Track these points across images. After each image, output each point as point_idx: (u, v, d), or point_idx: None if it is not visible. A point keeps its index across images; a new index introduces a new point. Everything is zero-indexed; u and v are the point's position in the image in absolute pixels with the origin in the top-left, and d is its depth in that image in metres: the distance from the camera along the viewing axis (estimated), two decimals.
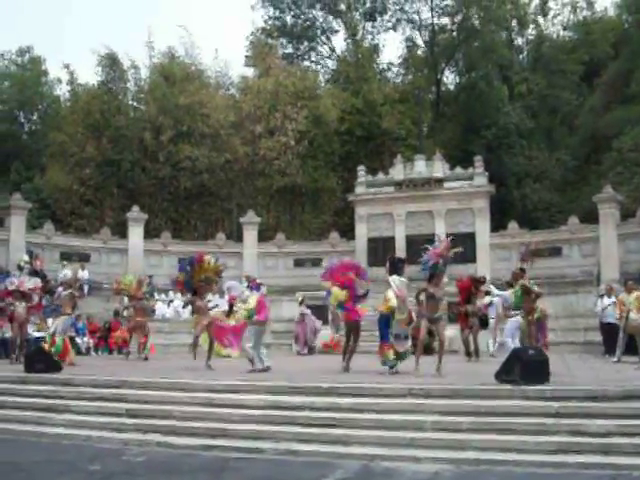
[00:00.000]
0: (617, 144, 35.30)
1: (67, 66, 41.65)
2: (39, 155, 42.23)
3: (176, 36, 42.49)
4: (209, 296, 16.92)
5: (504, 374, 10.44)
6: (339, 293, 13.91)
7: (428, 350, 19.90)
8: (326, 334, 22.62)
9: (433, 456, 8.65)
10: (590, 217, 28.91)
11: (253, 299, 14.59)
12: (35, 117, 47.44)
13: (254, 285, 15.82)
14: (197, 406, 10.88)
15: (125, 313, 21.14)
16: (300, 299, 23.99)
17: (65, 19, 77.78)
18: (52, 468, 8.60)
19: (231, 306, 16.02)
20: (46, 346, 16.16)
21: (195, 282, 16.03)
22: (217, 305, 16.88)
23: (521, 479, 7.87)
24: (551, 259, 28.77)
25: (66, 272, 26.42)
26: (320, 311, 23.79)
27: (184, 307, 21.10)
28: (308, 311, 23.61)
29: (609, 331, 19.47)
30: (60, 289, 19.23)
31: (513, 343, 15.16)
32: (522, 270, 13.69)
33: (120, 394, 11.69)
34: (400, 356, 13.52)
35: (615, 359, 16.27)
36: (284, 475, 8.09)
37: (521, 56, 47.51)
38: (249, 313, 14.40)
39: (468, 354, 17.25)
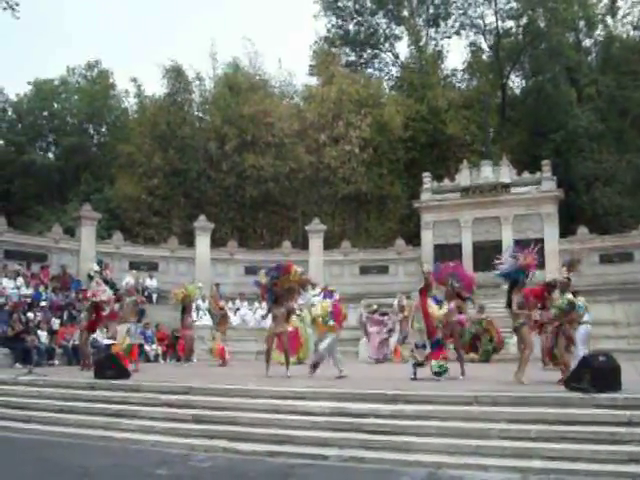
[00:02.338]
0: None
1: (134, 79, 42.86)
2: (108, 166, 43.28)
3: (240, 47, 43.26)
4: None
5: (574, 382, 10.18)
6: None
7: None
8: (393, 342, 22.44)
9: (500, 464, 8.47)
10: None
11: (327, 304, 14.63)
12: (104, 129, 48.67)
13: (327, 293, 15.83)
14: (262, 412, 10.90)
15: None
16: (374, 308, 23.72)
17: (131, 33, 79.61)
18: (119, 472, 8.74)
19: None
20: (115, 348, 16.44)
21: (278, 290, 15.50)
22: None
23: None
24: (622, 264, 28.11)
25: (128, 280, 26.99)
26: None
27: (264, 317, 20.05)
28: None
29: None
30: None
31: (583, 351, 14.74)
32: (569, 279, 13.27)
33: (187, 400, 11.83)
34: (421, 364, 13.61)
35: None
36: None
37: (589, 58, 46.37)
38: (325, 318, 14.45)
39: (544, 361, 16.80)
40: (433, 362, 13.43)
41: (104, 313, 18.38)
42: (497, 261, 13.39)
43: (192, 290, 20.80)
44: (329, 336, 14.57)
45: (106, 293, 18.65)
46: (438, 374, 13.36)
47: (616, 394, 9.73)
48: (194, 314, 23.48)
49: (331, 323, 14.46)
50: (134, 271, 28.92)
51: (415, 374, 13.40)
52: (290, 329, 16.52)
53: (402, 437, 9.50)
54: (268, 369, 14.91)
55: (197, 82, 42.52)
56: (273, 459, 9.30)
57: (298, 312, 18.02)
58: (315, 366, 14.65)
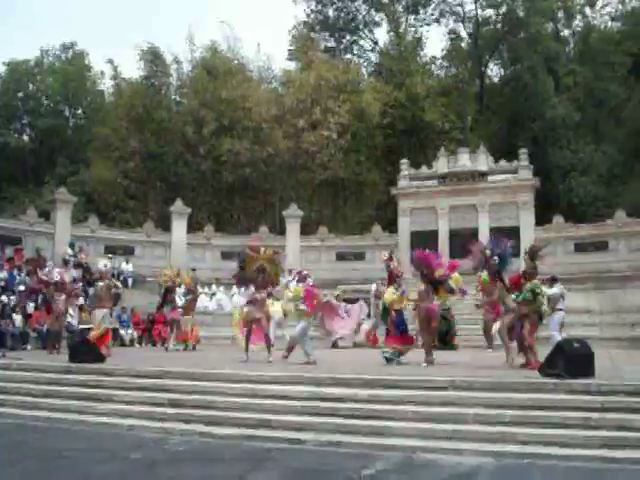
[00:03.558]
0: None
1: (111, 61, 42.33)
2: (84, 149, 42.86)
3: (219, 31, 42.95)
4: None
5: (548, 367, 10.28)
6: (458, 278, 14.01)
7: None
8: (365, 328, 22.60)
9: (475, 449, 8.54)
10: (638, 211, 28.32)
11: (299, 288, 14.60)
12: (80, 112, 48.13)
13: (300, 277, 15.74)
14: (239, 397, 10.89)
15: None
16: (336, 294, 23.87)
17: (107, 14, 78.58)
18: (94, 456, 8.68)
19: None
20: (94, 334, 16.28)
21: (249, 273, 15.22)
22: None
23: (565, 473, 7.70)
24: (597, 253, 28.34)
25: (105, 263, 26.84)
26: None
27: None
28: (344, 305, 23.56)
29: None
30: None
31: (558, 337, 14.91)
32: (535, 268, 13.41)
33: (162, 384, 11.78)
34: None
35: None
36: (325, 466, 8.05)
37: (567, 48, 46.62)
38: (296, 302, 14.42)
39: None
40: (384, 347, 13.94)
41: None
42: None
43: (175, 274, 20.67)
44: (302, 321, 14.53)
45: (68, 274, 18.58)
46: (389, 360, 13.74)
47: (589, 380, 9.84)
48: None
49: (302, 307, 14.40)
50: (110, 255, 28.69)
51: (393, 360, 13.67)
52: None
53: (378, 421, 9.54)
54: (247, 353, 14.89)
55: (175, 65, 42.29)
56: (249, 443, 9.29)
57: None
58: (290, 350, 14.62)
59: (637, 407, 9.05)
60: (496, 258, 13.26)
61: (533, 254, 13.58)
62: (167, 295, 20.33)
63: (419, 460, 8.31)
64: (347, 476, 7.55)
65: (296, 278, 15.91)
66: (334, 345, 22.28)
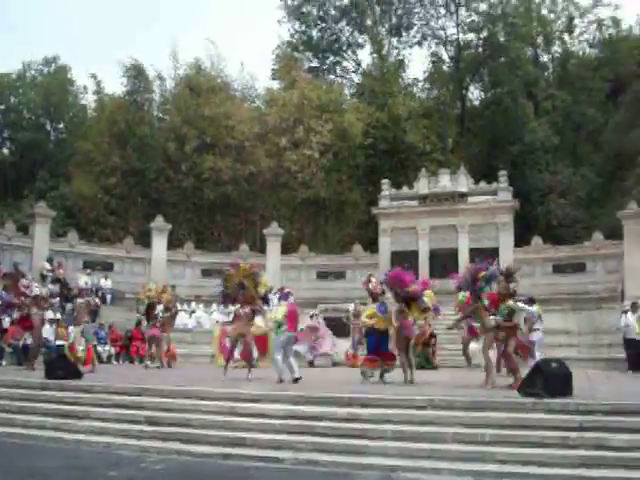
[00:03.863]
0: None
1: (94, 76, 42.29)
2: (65, 164, 42.64)
3: (202, 48, 43.04)
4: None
5: (527, 387, 10.30)
6: (431, 295, 14.03)
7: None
8: (346, 347, 22.55)
9: (454, 468, 8.53)
10: (615, 233, 28.63)
11: (282, 309, 14.54)
12: (61, 126, 47.96)
13: (283, 295, 15.69)
14: (217, 415, 10.81)
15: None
16: (311, 313, 23.76)
17: (90, 29, 78.62)
18: (70, 474, 8.55)
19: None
20: (67, 354, 16.18)
21: (231, 291, 15.38)
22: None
23: None
24: (575, 275, 28.61)
25: (85, 280, 26.67)
26: (341, 323, 23.79)
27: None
28: (321, 322, 23.53)
29: (633, 347, 19.28)
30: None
31: (537, 357, 14.98)
32: (508, 289, 13.51)
33: (140, 402, 11.66)
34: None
35: None
36: None
37: (546, 73, 47.37)
38: (278, 323, 14.35)
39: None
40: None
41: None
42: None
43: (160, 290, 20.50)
44: (282, 340, 14.42)
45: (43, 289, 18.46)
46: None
47: (568, 399, 9.87)
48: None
49: (284, 328, 14.32)
50: (88, 270, 28.55)
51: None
52: (261, 332, 16.47)
53: (357, 440, 9.50)
54: (226, 370, 14.83)
55: (158, 82, 42.44)
56: (227, 461, 9.22)
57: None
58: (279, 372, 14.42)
59: (614, 426, 9.09)
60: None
61: (509, 275, 13.67)
62: (150, 312, 20.10)
63: (398, 479, 8.28)
64: None
65: (277, 295, 15.86)
66: (311, 364, 22.20)
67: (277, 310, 15.00)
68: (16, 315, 21.37)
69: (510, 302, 12.83)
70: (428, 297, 13.90)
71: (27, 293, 18.50)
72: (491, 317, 12.99)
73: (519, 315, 14.42)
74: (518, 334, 13.00)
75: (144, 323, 20.97)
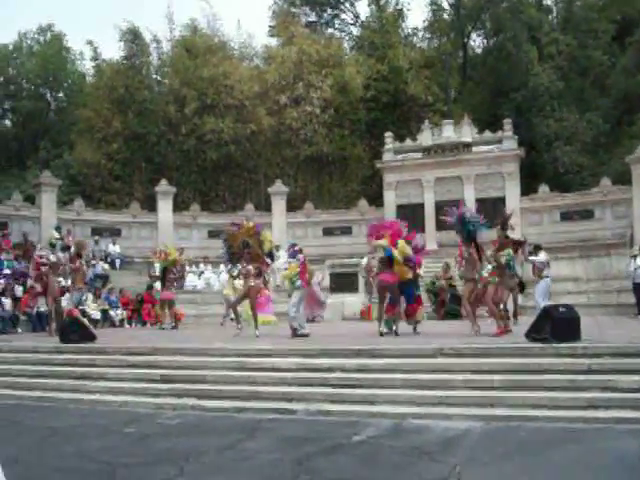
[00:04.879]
0: None
1: (90, 42, 41.82)
2: (67, 132, 42.40)
3: (198, 9, 42.49)
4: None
5: (534, 332, 10.39)
6: (404, 247, 13.95)
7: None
8: (359, 302, 22.66)
9: (464, 413, 8.68)
10: (623, 179, 28.52)
11: (294, 266, 14.63)
12: (61, 94, 47.63)
13: (293, 252, 15.76)
14: (230, 370, 10.99)
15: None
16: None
17: None
18: (88, 431, 8.75)
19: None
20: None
21: (236, 250, 15.47)
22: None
23: (551, 434, 7.83)
24: (583, 222, 28.56)
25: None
26: (349, 279, 23.90)
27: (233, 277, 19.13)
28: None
29: None
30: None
31: (544, 303, 15.05)
32: (507, 237, 13.53)
33: (154, 361, 11.84)
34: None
35: None
36: (316, 434, 8.14)
37: (550, 16, 46.42)
38: (292, 279, 14.47)
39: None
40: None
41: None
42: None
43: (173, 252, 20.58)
44: (296, 294, 14.58)
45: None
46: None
47: (575, 344, 9.97)
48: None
49: (298, 284, 14.47)
50: (96, 237, 28.73)
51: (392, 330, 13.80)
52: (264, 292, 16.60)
53: (368, 390, 9.66)
54: (239, 326, 15.04)
55: (154, 45, 41.95)
56: (241, 415, 9.39)
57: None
58: (295, 330, 14.53)
59: (622, 368, 9.20)
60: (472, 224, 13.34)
61: (503, 223, 13.75)
62: (166, 274, 20.21)
63: (409, 426, 8.41)
64: (338, 442, 7.64)
65: (289, 252, 15.91)
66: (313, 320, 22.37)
67: (289, 267, 15.10)
68: (31, 284, 21.74)
69: (506, 251, 12.91)
70: (399, 251, 13.69)
71: (45, 262, 18.63)
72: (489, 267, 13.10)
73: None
74: (503, 283, 13.06)
75: (157, 286, 21.10)
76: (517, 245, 17.07)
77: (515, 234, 14.81)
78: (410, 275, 13.88)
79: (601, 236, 27.68)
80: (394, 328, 13.74)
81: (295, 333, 14.02)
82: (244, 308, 16.21)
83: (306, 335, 13.99)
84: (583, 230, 28.26)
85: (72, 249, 18.53)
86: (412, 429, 8.24)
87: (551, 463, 6.58)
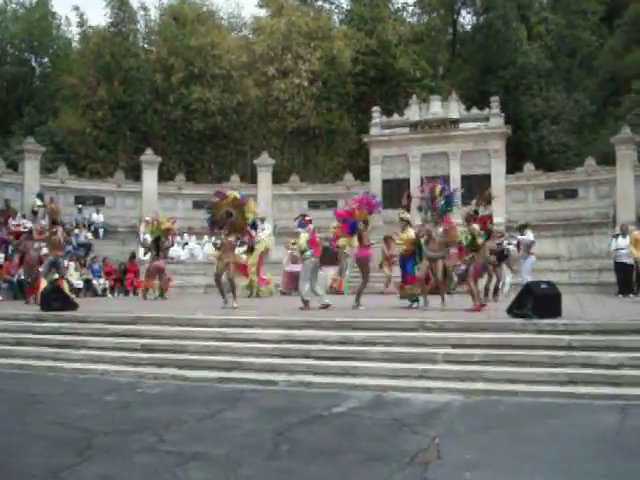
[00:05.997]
0: (636, 85, 34.68)
1: (76, 8, 41.24)
2: (52, 98, 41.97)
3: None
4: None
5: (516, 308, 10.45)
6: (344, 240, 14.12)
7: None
8: (331, 275, 22.83)
9: (444, 387, 8.73)
10: (607, 159, 28.58)
11: (304, 236, 14.60)
12: (46, 60, 46.95)
13: (302, 222, 15.68)
14: (211, 340, 10.97)
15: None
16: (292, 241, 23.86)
17: None
18: (69, 399, 8.74)
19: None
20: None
21: (218, 219, 15.46)
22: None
23: (531, 408, 7.89)
24: (567, 201, 28.62)
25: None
26: (327, 252, 23.89)
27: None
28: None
29: (623, 271, 19.48)
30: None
31: (527, 279, 15.16)
32: (475, 213, 13.57)
33: (135, 330, 11.83)
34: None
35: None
36: (297, 404, 8.17)
37: None
38: (303, 250, 14.46)
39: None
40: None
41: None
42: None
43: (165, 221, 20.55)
44: (307, 264, 14.51)
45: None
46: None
47: (556, 320, 10.03)
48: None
49: (308, 254, 14.42)
50: (80, 205, 28.53)
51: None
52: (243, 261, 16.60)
53: (350, 362, 9.68)
54: (225, 299, 15.02)
55: (142, 12, 41.51)
56: (222, 385, 9.40)
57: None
58: (306, 302, 14.31)
59: (602, 345, 9.26)
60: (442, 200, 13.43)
61: (488, 199, 13.87)
62: (158, 244, 20.15)
63: (389, 398, 8.46)
64: (318, 414, 7.67)
65: (298, 222, 15.73)
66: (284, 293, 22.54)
67: (300, 237, 15.05)
68: (11, 251, 21.59)
69: (472, 227, 12.97)
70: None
71: (21, 230, 18.51)
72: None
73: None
74: (478, 260, 13.12)
75: (147, 256, 21.04)
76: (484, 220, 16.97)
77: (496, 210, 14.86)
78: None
79: (584, 215, 27.79)
80: (421, 302, 13.91)
81: (307, 306, 13.97)
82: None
83: (327, 306, 13.81)
84: (567, 209, 28.35)
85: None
86: (392, 401, 8.29)
87: (530, 436, 6.63)
